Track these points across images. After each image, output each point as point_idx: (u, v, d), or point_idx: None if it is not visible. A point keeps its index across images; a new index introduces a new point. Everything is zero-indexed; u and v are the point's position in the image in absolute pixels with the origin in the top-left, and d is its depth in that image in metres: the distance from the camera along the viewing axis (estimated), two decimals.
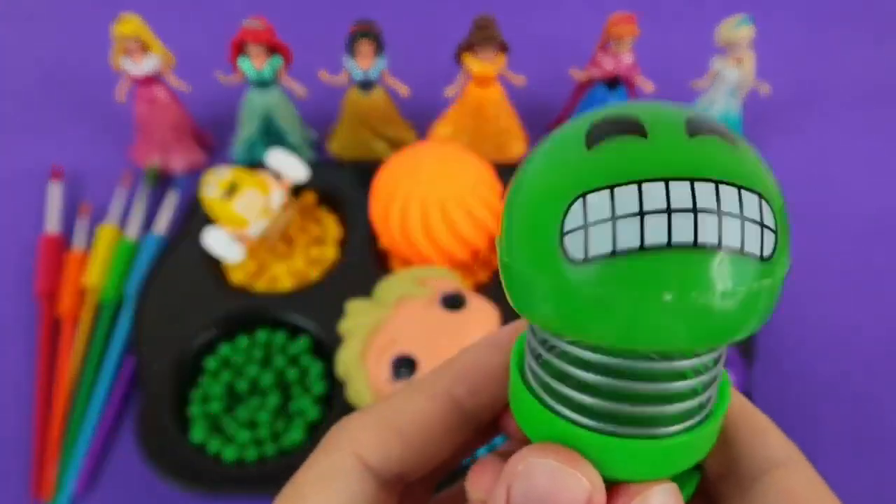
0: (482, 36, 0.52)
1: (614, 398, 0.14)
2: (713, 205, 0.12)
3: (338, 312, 0.40)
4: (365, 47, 0.52)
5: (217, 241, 0.47)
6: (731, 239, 0.13)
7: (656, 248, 0.12)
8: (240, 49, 0.53)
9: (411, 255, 0.47)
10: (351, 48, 0.53)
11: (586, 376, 0.14)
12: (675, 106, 0.14)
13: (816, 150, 0.62)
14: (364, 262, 0.49)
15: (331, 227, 0.52)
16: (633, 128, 0.13)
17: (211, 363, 0.44)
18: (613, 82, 0.56)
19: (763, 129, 0.63)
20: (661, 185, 0.12)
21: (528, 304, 0.14)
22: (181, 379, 0.44)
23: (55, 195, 0.55)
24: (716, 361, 0.15)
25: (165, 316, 0.46)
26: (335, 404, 0.42)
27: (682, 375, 0.15)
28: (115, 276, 0.50)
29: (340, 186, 0.54)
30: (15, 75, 0.68)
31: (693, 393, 0.15)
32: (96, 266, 0.50)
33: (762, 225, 0.13)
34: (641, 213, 0.12)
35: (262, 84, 0.54)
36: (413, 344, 0.36)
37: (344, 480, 0.16)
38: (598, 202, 0.13)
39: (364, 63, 0.53)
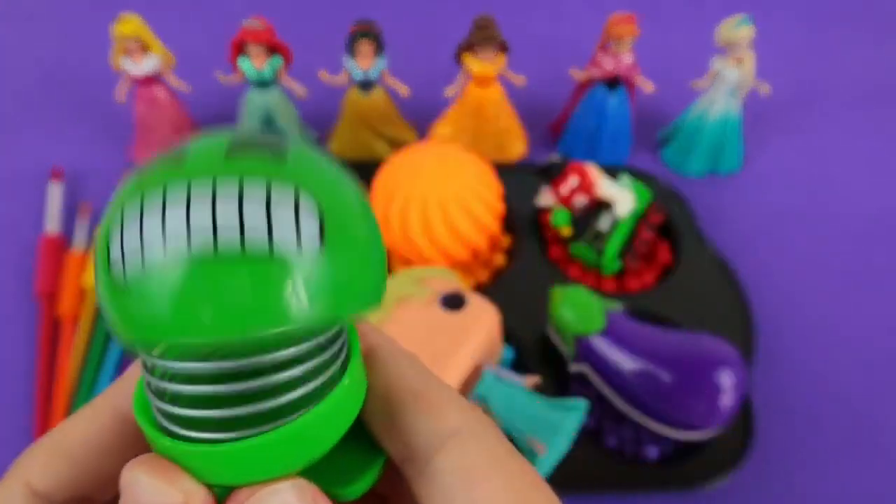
0: (482, 36, 0.52)
1: (204, 405, 0.14)
2: (234, 195, 0.13)
3: None
4: (365, 47, 0.52)
5: None
6: (255, 226, 0.13)
7: (177, 237, 0.12)
8: (240, 49, 0.53)
9: (411, 255, 0.47)
10: (351, 48, 0.53)
11: (170, 387, 0.14)
12: (234, 134, 0.14)
13: (816, 150, 0.62)
14: None
15: None
16: (174, 155, 0.14)
17: None
18: (613, 82, 0.56)
19: (763, 129, 0.63)
20: (185, 184, 0.13)
21: (112, 326, 0.14)
22: None
23: (55, 195, 0.55)
24: (316, 351, 0.14)
25: None
26: None
27: (269, 371, 0.14)
28: None
29: None
30: (15, 75, 0.68)
31: (286, 387, 0.14)
32: None
33: (297, 215, 0.13)
34: (163, 214, 0.13)
35: (262, 84, 0.54)
36: (413, 344, 0.36)
37: None
38: (128, 213, 0.13)
39: (364, 63, 0.53)
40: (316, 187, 0.14)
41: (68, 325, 0.48)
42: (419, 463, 0.15)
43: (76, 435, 0.16)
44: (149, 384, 0.15)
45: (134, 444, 0.16)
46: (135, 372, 0.17)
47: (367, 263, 0.14)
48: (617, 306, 0.42)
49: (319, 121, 0.62)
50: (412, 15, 0.74)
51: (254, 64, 0.53)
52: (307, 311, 0.13)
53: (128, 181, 0.14)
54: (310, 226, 0.13)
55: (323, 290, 0.13)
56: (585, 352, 0.41)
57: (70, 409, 0.45)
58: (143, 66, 0.53)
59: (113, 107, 0.58)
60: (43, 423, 0.44)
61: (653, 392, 0.38)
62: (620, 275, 0.50)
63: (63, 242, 0.53)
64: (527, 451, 0.37)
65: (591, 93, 0.57)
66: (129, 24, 0.51)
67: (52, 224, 0.53)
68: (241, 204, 0.13)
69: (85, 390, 0.45)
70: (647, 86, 0.56)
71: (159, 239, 0.12)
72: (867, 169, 0.60)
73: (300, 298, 0.13)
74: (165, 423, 0.15)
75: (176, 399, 0.14)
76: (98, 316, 0.49)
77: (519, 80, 0.55)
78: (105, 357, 0.47)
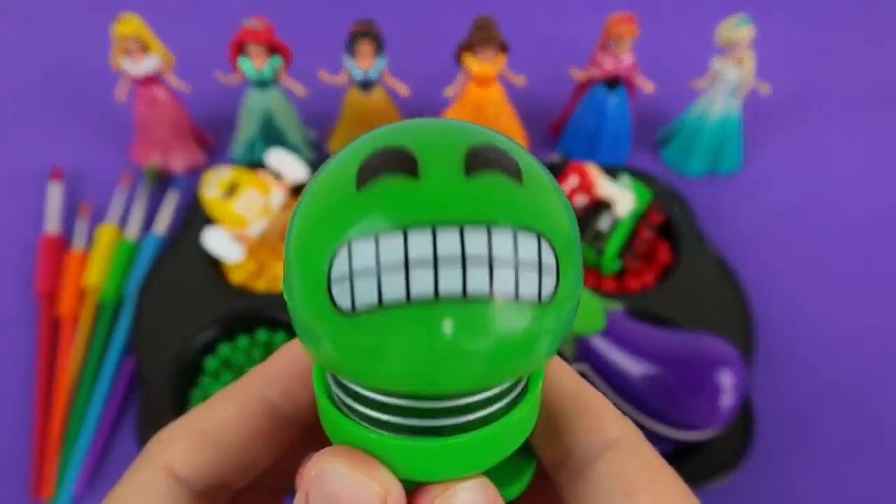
0: (482, 36, 0.52)
1: (406, 415, 0.14)
2: (484, 252, 0.12)
3: None
4: (365, 47, 0.52)
5: (217, 241, 0.47)
6: (504, 287, 0.12)
7: (423, 300, 0.12)
8: (240, 49, 0.53)
9: None
10: (351, 48, 0.53)
11: (374, 407, 0.14)
12: (460, 132, 0.13)
13: (816, 150, 0.62)
14: None
15: None
16: (406, 164, 0.12)
17: (211, 363, 0.44)
18: (613, 82, 0.56)
19: (763, 129, 0.63)
20: (428, 233, 0.12)
21: (311, 348, 0.14)
22: (181, 379, 0.44)
23: (55, 195, 0.55)
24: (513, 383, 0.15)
25: (165, 316, 0.46)
26: None
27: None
28: (114, 277, 0.50)
29: None
30: (15, 75, 0.68)
31: (488, 403, 0.14)
32: (96, 266, 0.50)
33: (540, 267, 0.13)
34: (407, 264, 0.12)
35: (262, 84, 0.54)
36: None
37: (155, 496, 0.15)
38: (363, 251, 0.12)
39: (364, 63, 0.53)
40: (553, 227, 0.13)
41: (68, 326, 0.48)
42: (577, 469, 0.16)
43: (220, 422, 0.16)
44: (340, 385, 0.15)
45: (280, 434, 0.17)
46: (283, 358, 0.17)
47: (577, 302, 0.14)
48: (617, 306, 0.42)
49: (319, 121, 0.62)
50: (412, 15, 0.74)
51: (254, 64, 0.53)
52: (545, 359, 0.14)
53: (349, 188, 0.13)
54: (549, 283, 0.13)
55: (550, 342, 0.14)
56: (585, 352, 0.41)
57: (70, 409, 0.45)
58: (142, 66, 0.53)
59: (113, 107, 0.58)
60: (43, 423, 0.44)
61: (653, 392, 0.38)
62: (620, 275, 0.50)
63: (63, 242, 0.53)
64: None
65: (591, 93, 0.57)
66: (129, 24, 0.51)
67: (52, 224, 0.53)
68: (491, 260, 0.12)
69: (85, 390, 0.45)
70: (647, 86, 0.56)
71: (401, 283, 0.12)
72: (867, 169, 0.60)
73: (547, 348, 0.14)
74: (354, 417, 0.14)
75: (366, 401, 0.14)
76: (98, 316, 0.49)
77: (519, 80, 0.55)
78: (105, 357, 0.47)
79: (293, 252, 0.13)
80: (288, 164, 0.50)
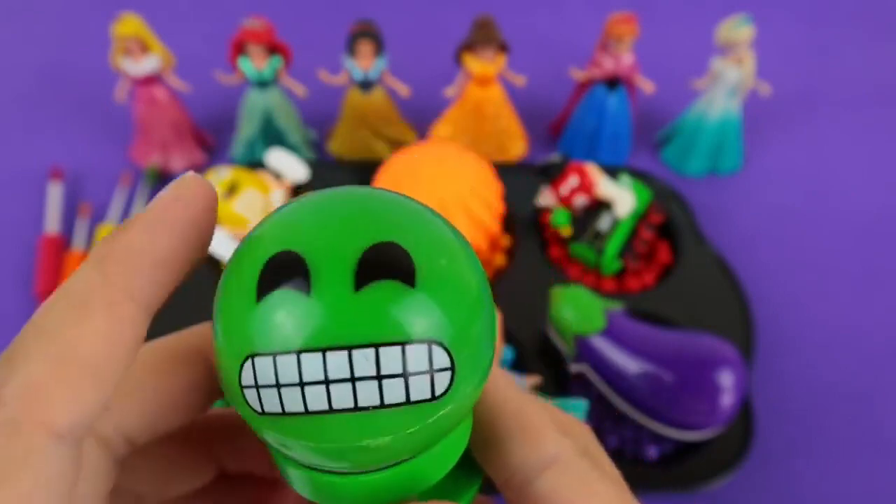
0: (482, 36, 0.52)
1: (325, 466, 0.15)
2: (372, 371, 0.13)
3: None
4: (365, 47, 0.52)
5: (217, 241, 0.47)
6: (394, 397, 0.13)
7: (320, 412, 0.13)
8: (240, 49, 0.53)
9: None
10: (351, 48, 0.53)
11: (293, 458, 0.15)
12: (356, 230, 0.14)
13: (816, 150, 0.62)
14: None
15: None
16: (298, 273, 0.13)
17: None
18: (613, 82, 0.56)
19: (763, 130, 0.63)
20: (319, 356, 0.13)
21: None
22: None
23: (55, 195, 0.55)
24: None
25: (164, 316, 0.46)
26: None
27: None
28: None
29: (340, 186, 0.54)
30: (15, 75, 0.68)
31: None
32: None
33: (432, 370, 0.13)
34: (301, 384, 0.13)
35: (262, 84, 0.54)
36: None
37: (27, 474, 0.12)
38: (264, 368, 0.13)
39: (364, 63, 0.53)
40: (445, 329, 0.14)
41: None
42: (520, 487, 0.16)
43: (91, 342, 0.13)
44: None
45: (188, 369, 0.16)
46: (139, 246, 0.14)
47: (487, 365, 0.15)
48: (617, 306, 0.42)
49: (319, 121, 0.62)
50: (412, 15, 0.74)
51: (254, 64, 0.53)
52: (441, 436, 0.15)
53: (251, 298, 0.14)
54: (443, 380, 0.14)
55: (455, 417, 0.15)
56: (585, 352, 0.41)
57: None
58: (142, 66, 0.53)
59: (113, 107, 0.58)
60: None
61: (653, 392, 0.38)
62: (620, 275, 0.50)
63: (63, 242, 0.53)
64: None
65: (591, 93, 0.57)
66: (129, 24, 0.51)
67: (52, 224, 0.53)
68: (380, 376, 0.13)
69: None
70: (647, 86, 0.56)
71: (299, 398, 0.13)
72: (867, 169, 0.60)
73: (433, 437, 0.14)
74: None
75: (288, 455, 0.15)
76: None
77: (519, 80, 0.55)
78: None
79: (214, 350, 0.15)
80: (288, 164, 0.50)
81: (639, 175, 0.54)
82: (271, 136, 0.57)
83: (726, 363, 0.38)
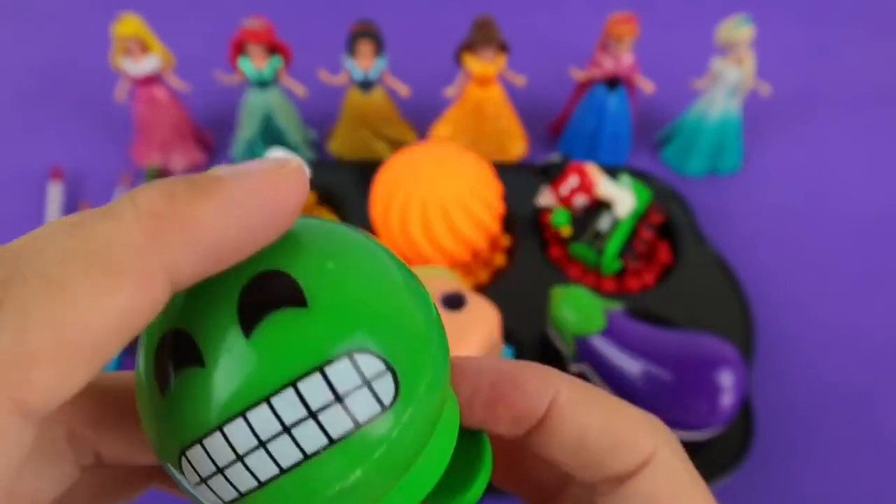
0: (482, 36, 0.52)
1: None
2: (302, 412, 0.11)
3: None
4: (365, 47, 0.52)
5: None
6: (340, 427, 0.12)
7: (275, 476, 0.12)
8: (240, 49, 0.53)
9: (411, 255, 0.47)
10: (351, 48, 0.53)
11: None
12: (227, 293, 0.12)
13: (816, 150, 0.62)
14: None
15: None
16: (190, 352, 0.12)
17: None
18: (613, 82, 0.56)
19: (763, 130, 0.63)
20: (241, 421, 0.12)
21: None
22: None
23: (55, 195, 0.55)
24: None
25: None
26: None
27: None
28: None
29: (340, 186, 0.54)
30: (15, 75, 0.68)
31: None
32: None
33: (367, 383, 0.12)
34: (240, 458, 0.12)
35: (262, 84, 0.54)
36: None
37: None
38: (198, 458, 0.12)
39: (364, 63, 0.53)
40: (358, 335, 0.12)
41: None
42: (609, 486, 0.16)
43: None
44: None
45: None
46: None
47: (434, 359, 0.13)
48: (617, 306, 0.42)
49: (319, 121, 0.62)
50: (412, 15, 0.74)
51: (254, 64, 0.53)
52: (422, 439, 0.13)
53: (155, 392, 0.13)
54: (386, 385, 0.12)
55: (425, 413, 0.13)
56: (585, 352, 0.41)
57: None
58: (142, 66, 0.53)
59: (113, 107, 0.58)
60: None
61: (653, 392, 0.38)
62: (620, 275, 0.50)
63: None
64: None
65: (591, 93, 0.57)
66: (129, 24, 0.51)
67: None
68: (313, 413, 0.12)
69: None
70: (646, 86, 0.56)
71: (245, 473, 0.12)
72: (867, 169, 0.60)
73: (410, 440, 0.13)
74: None
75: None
76: None
77: (519, 80, 0.55)
78: None
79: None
80: None
81: (639, 175, 0.54)
82: (271, 135, 0.57)
83: (726, 363, 0.38)
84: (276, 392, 0.11)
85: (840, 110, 0.65)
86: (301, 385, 0.11)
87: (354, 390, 0.12)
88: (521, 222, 0.52)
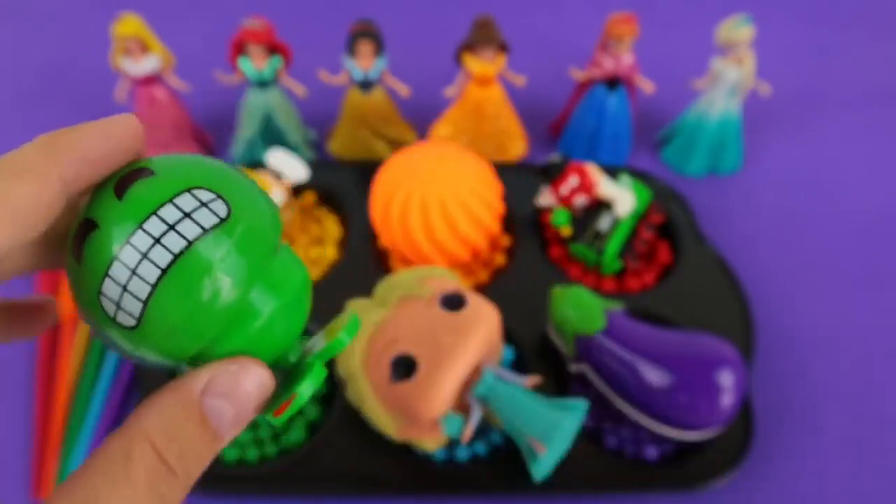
0: (482, 36, 0.52)
1: None
2: (164, 228, 0.17)
3: (338, 312, 0.40)
4: (365, 47, 0.52)
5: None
6: (192, 232, 0.18)
7: (160, 277, 0.17)
8: (240, 49, 0.53)
9: (411, 255, 0.47)
10: (351, 48, 0.53)
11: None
12: (108, 186, 0.19)
13: (816, 150, 0.62)
14: (364, 262, 0.49)
15: (331, 226, 0.52)
16: (90, 226, 0.18)
17: None
18: (613, 82, 0.56)
19: (763, 130, 0.63)
20: (128, 247, 0.17)
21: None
22: None
23: None
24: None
25: None
26: (336, 404, 0.42)
27: None
28: None
29: (340, 186, 0.54)
30: (15, 76, 0.68)
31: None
32: None
33: (206, 205, 0.18)
34: (133, 272, 0.17)
35: (263, 84, 0.54)
36: (413, 344, 0.37)
37: None
38: (110, 289, 0.18)
39: (364, 63, 0.53)
40: (185, 177, 0.19)
41: (68, 325, 0.48)
42: None
43: (22, 199, 0.18)
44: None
45: (59, 213, 0.19)
46: (85, 147, 0.19)
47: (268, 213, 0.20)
48: (617, 306, 0.42)
49: (319, 121, 0.62)
50: (412, 15, 0.74)
51: (254, 64, 0.53)
52: (273, 241, 0.19)
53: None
54: (220, 207, 0.18)
55: (263, 227, 0.19)
56: (585, 351, 0.41)
57: (70, 407, 0.45)
58: (142, 66, 0.53)
59: (113, 107, 0.58)
60: (43, 423, 0.44)
61: (653, 392, 0.38)
62: (620, 275, 0.50)
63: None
64: (527, 451, 0.37)
65: (591, 93, 0.57)
66: (130, 24, 0.51)
67: None
68: (171, 226, 0.18)
69: (85, 390, 0.45)
70: (647, 86, 0.56)
71: (141, 283, 0.18)
72: (867, 169, 0.61)
73: (263, 237, 0.19)
74: None
75: None
76: None
77: (519, 80, 0.55)
78: (105, 357, 0.47)
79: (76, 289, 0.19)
80: (288, 164, 0.50)
81: (639, 175, 0.54)
82: (271, 135, 0.57)
83: (726, 363, 0.38)
84: (145, 220, 0.17)
85: (840, 110, 0.65)
86: (160, 212, 0.18)
87: (196, 209, 0.18)
88: (521, 222, 0.52)
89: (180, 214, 0.18)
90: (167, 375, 0.43)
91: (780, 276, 0.53)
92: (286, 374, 0.21)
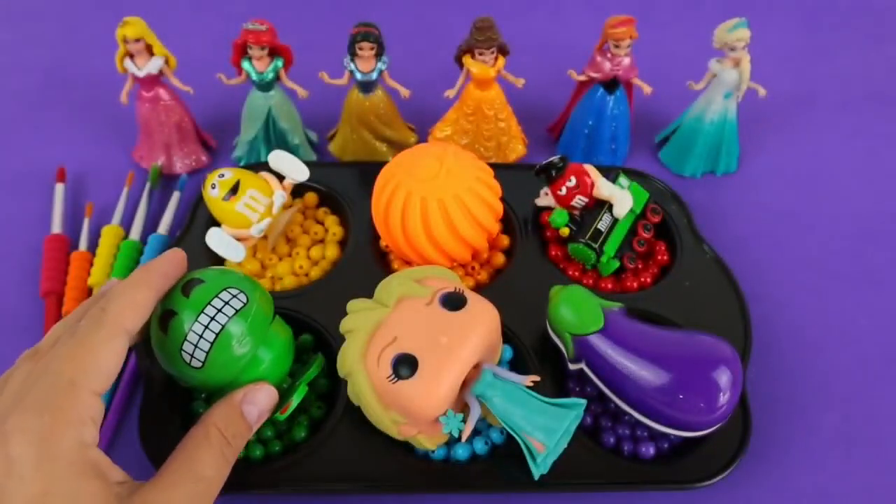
0: (482, 38, 0.52)
1: None
2: (215, 311, 0.36)
3: (339, 312, 0.41)
4: (366, 49, 0.53)
5: (219, 241, 0.48)
6: (231, 311, 0.36)
7: (214, 339, 0.35)
8: (242, 51, 0.53)
9: (412, 255, 0.48)
10: (352, 50, 0.53)
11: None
12: (177, 290, 0.36)
13: (813, 152, 0.62)
14: (365, 262, 0.50)
15: (332, 227, 0.53)
16: (171, 314, 0.36)
17: None
18: (612, 84, 0.56)
19: (760, 131, 0.63)
20: (196, 324, 0.35)
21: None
22: None
23: (60, 196, 0.56)
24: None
25: None
26: (338, 402, 0.42)
27: None
28: (119, 276, 0.50)
29: (341, 187, 0.54)
30: (20, 77, 0.68)
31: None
32: (101, 266, 0.50)
33: (237, 296, 0.36)
34: (201, 337, 0.35)
35: (264, 86, 0.55)
36: (413, 343, 0.37)
37: (121, 344, 0.33)
38: (187, 349, 0.35)
39: (365, 65, 0.54)
40: (231, 283, 0.37)
41: None
42: None
43: (145, 301, 0.34)
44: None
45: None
46: (137, 303, 0.34)
47: (259, 295, 0.38)
48: (615, 306, 0.43)
49: (321, 122, 0.62)
50: (413, 17, 0.74)
51: (255, 66, 0.54)
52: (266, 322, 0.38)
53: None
54: (242, 297, 0.36)
55: (261, 308, 0.37)
56: (584, 351, 0.41)
57: None
58: (146, 67, 0.54)
59: (117, 108, 0.59)
60: None
61: (650, 391, 0.39)
62: (619, 274, 0.50)
63: (68, 242, 0.53)
64: (525, 450, 0.37)
65: (590, 94, 0.57)
66: (134, 27, 0.52)
67: (57, 224, 0.54)
68: (220, 310, 0.36)
69: None
70: (645, 88, 0.56)
71: (204, 342, 0.35)
72: (863, 170, 0.61)
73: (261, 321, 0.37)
74: None
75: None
76: None
77: (518, 82, 0.56)
78: None
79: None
80: (290, 165, 0.50)
81: (637, 175, 0.55)
82: (273, 137, 0.58)
83: (723, 362, 0.39)
84: (203, 309, 0.35)
85: (836, 112, 0.66)
86: (212, 303, 0.35)
87: (232, 297, 0.36)
88: (521, 222, 0.52)
89: (222, 303, 0.35)
90: (166, 382, 0.44)
91: (777, 276, 0.53)
92: (286, 391, 0.39)
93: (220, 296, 0.35)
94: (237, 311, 0.35)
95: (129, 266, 0.51)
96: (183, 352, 0.35)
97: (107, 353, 0.31)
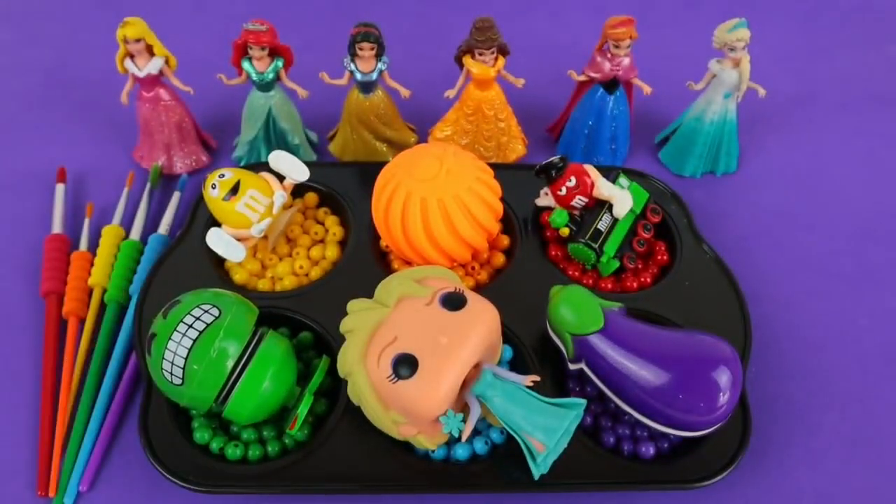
0: (482, 38, 0.52)
1: None
2: (192, 320, 0.38)
3: (339, 312, 0.41)
4: (366, 50, 0.53)
5: (219, 241, 0.48)
6: (204, 323, 0.38)
7: (191, 347, 0.38)
8: (242, 51, 0.53)
9: (412, 255, 0.48)
10: (352, 50, 0.53)
11: None
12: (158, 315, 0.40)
13: (812, 152, 0.62)
14: (365, 262, 0.50)
15: (332, 227, 0.53)
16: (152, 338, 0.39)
17: None
18: (612, 84, 0.56)
19: (759, 131, 0.63)
20: (176, 333, 0.38)
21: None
22: None
23: (60, 196, 0.56)
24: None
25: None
26: (338, 402, 0.43)
27: None
28: (119, 276, 0.50)
29: (341, 187, 0.54)
30: (20, 78, 0.68)
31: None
32: (101, 266, 0.50)
33: (206, 311, 0.39)
34: (179, 344, 0.38)
35: (265, 86, 0.55)
36: (413, 343, 0.37)
37: None
38: (169, 361, 0.38)
39: (365, 65, 0.54)
40: (205, 301, 0.39)
41: (74, 324, 0.48)
42: None
43: None
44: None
45: None
46: None
47: (236, 306, 0.40)
48: (615, 306, 0.43)
49: (321, 122, 0.62)
50: (413, 17, 0.74)
51: (256, 66, 0.54)
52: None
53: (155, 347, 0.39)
54: (214, 311, 0.39)
55: (236, 319, 0.39)
56: (584, 351, 0.41)
57: (75, 406, 0.45)
58: (147, 68, 0.54)
59: (117, 108, 0.59)
60: (48, 421, 0.44)
61: (650, 391, 0.39)
62: (619, 274, 0.50)
63: (69, 242, 0.53)
64: (525, 449, 0.37)
65: (590, 94, 0.57)
66: (134, 27, 0.52)
67: (58, 224, 0.54)
68: (194, 317, 0.38)
69: (90, 388, 0.46)
70: (645, 88, 0.56)
71: (182, 349, 0.38)
72: (862, 170, 0.61)
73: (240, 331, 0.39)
74: None
75: None
76: (103, 314, 0.49)
77: (518, 82, 0.56)
78: (110, 355, 0.47)
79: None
80: (290, 165, 0.50)
81: (637, 175, 0.55)
82: (273, 137, 0.58)
83: (723, 361, 0.39)
84: (176, 327, 0.38)
85: (836, 112, 0.66)
86: (185, 317, 0.38)
87: (204, 312, 0.38)
88: (521, 222, 0.52)
89: (193, 319, 0.37)
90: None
91: (776, 276, 0.53)
92: (294, 402, 0.41)
93: (191, 312, 0.37)
94: (208, 324, 0.37)
95: (129, 266, 0.51)
96: (164, 371, 0.37)
97: None
